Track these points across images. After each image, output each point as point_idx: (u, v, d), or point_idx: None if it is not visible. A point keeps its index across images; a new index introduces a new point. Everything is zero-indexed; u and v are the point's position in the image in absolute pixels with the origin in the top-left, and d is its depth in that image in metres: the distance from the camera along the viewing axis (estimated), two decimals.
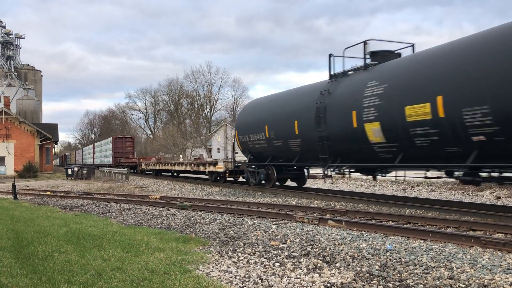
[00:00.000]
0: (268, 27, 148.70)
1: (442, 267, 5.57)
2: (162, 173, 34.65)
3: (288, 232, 8.29)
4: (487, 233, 7.84)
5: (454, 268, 5.51)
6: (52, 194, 20.01)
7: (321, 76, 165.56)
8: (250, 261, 6.24)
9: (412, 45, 13.63)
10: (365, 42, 13.43)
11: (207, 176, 25.29)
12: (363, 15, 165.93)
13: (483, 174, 9.96)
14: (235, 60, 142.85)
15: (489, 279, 4.99)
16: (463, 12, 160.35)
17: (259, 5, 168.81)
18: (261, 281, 5.23)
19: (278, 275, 5.49)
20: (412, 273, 5.38)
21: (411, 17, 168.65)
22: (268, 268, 5.83)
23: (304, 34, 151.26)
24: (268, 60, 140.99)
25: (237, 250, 6.90)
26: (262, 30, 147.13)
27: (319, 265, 5.86)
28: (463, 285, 4.86)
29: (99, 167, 45.89)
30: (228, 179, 22.90)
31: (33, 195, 19.78)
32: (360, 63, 13.63)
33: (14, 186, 19.06)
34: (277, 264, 6.00)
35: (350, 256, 6.30)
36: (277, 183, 18.76)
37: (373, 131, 11.99)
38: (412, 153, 11.28)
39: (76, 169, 35.72)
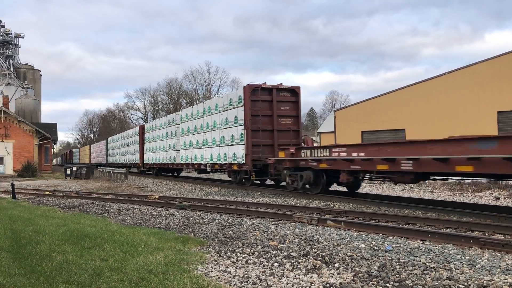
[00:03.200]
0: (266, 28, 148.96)
1: (441, 268, 5.56)
2: None
3: (287, 232, 8.28)
4: (486, 234, 7.83)
5: (453, 269, 5.50)
6: (50, 193, 19.98)
7: (319, 76, 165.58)
8: (249, 261, 6.23)
9: None
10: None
11: None
12: (359, 16, 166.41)
13: None
14: (233, 60, 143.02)
15: (488, 280, 4.98)
16: (459, 13, 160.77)
17: (256, 6, 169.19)
18: (260, 282, 5.22)
19: (277, 275, 5.48)
20: (411, 273, 5.37)
21: (408, 18, 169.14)
22: (267, 268, 5.82)
23: (301, 34, 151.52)
24: (266, 61, 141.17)
25: (236, 250, 6.89)
26: (259, 30, 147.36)
27: (318, 265, 5.85)
28: (462, 286, 4.85)
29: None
30: None
31: (32, 195, 19.75)
32: None
33: (12, 185, 19.04)
34: (276, 264, 5.98)
35: (349, 256, 6.29)
36: None
37: None
38: None
39: (75, 168, 35.69)
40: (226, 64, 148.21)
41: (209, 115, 22.08)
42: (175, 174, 33.03)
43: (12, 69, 70.98)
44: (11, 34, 75.59)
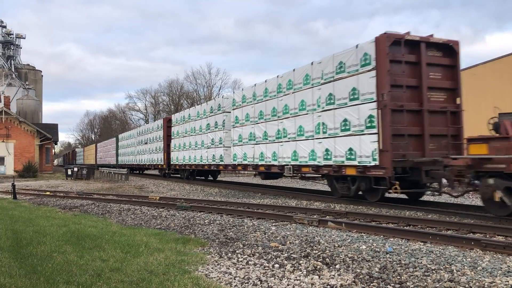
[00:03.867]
0: (267, 29, 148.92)
1: (442, 270, 5.55)
2: None
3: (287, 234, 8.27)
4: (487, 236, 7.82)
5: (454, 271, 5.49)
6: (51, 194, 19.98)
7: None
8: (250, 262, 6.22)
9: None
10: None
11: None
12: (360, 17, 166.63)
13: None
14: (234, 61, 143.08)
15: (490, 282, 4.97)
16: (460, 15, 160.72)
17: (257, 7, 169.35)
18: (261, 283, 5.21)
19: (278, 276, 5.47)
20: (412, 275, 5.36)
21: (409, 20, 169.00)
22: (267, 269, 5.81)
23: (302, 36, 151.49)
24: (267, 62, 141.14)
25: (237, 251, 6.88)
26: (260, 32, 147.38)
27: (318, 267, 5.84)
28: None
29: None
30: None
31: (33, 195, 19.75)
32: None
33: (13, 186, 19.03)
34: (276, 265, 5.98)
35: (349, 258, 6.28)
36: None
37: None
38: None
39: (76, 169, 35.73)
40: (227, 65, 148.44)
41: (288, 93, 15.11)
42: (210, 177, 26.71)
43: (13, 70, 71.07)
44: (12, 34, 75.72)
